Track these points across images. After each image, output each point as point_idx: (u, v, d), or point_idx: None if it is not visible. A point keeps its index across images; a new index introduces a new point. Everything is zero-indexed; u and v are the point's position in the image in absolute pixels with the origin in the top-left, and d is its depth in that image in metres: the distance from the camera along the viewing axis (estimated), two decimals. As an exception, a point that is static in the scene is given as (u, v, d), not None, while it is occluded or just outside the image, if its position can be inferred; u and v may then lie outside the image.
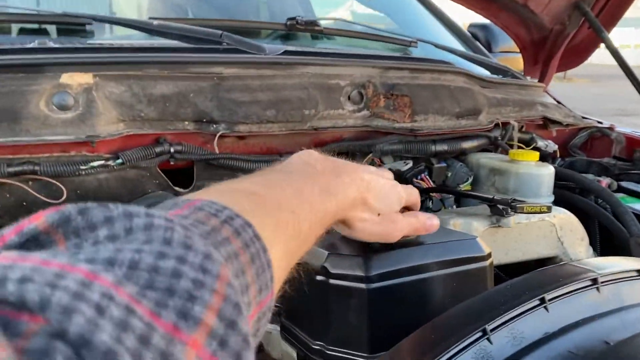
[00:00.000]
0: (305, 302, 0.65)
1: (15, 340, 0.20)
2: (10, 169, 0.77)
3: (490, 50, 1.76)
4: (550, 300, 0.49)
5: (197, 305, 0.26)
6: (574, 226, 0.91)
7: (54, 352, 0.20)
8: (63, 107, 0.80)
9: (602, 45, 1.41)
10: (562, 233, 0.89)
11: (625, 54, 1.38)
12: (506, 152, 1.09)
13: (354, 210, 0.55)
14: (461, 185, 1.05)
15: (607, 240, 1.03)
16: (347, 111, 1.01)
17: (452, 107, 1.09)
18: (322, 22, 1.26)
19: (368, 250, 0.60)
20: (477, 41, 1.68)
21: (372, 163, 1.02)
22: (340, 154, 0.98)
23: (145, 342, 0.22)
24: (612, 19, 1.39)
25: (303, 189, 0.47)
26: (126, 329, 0.22)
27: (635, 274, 0.56)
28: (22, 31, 1.07)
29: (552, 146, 1.25)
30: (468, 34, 1.70)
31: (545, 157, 1.22)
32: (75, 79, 0.81)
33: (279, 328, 0.69)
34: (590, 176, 1.14)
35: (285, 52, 0.99)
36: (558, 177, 1.05)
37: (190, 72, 0.90)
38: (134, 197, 0.85)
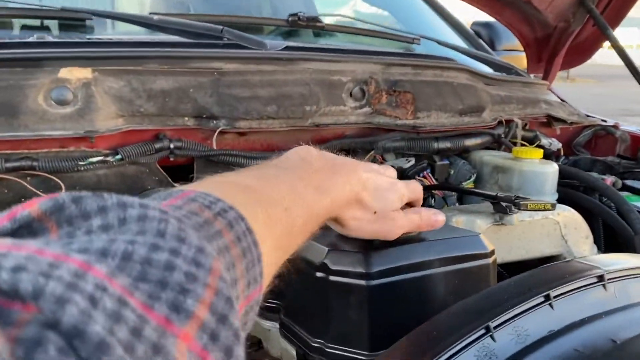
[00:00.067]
0: (305, 299, 0.64)
1: (8, 329, 0.19)
2: (9, 165, 0.76)
3: (493, 48, 1.75)
4: (555, 297, 0.48)
5: (189, 299, 0.26)
6: (578, 224, 0.90)
7: (47, 342, 0.20)
8: (61, 102, 0.79)
9: (606, 45, 1.40)
10: (566, 231, 0.88)
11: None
12: (510, 150, 1.08)
13: (347, 208, 0.55)
14: (464, 183, 1.04)
15: (611, 239, 1.02)
16: (348, 108, 1.00)
17: (455, 104, 1.08)
18: (324, 19, 1.25)
19: (369, 246, 0.59)
20: (480, 39, 1.67)
21: (374, 160, 1.01)
22: (341, 151, 0.97)
23: (137, 334, 0.22)
24: (617, 17, 1.38)
25: (297, 185, 0.47)
26: (119, 321, 0.22)
27: (641, 271, 0.55)
28: (22, 27, 1.07)
29: (556, 144, 1.24)
30: (471, 31, 1.69)
31: (549, 155, 1.21)
32: (74, 74, 0.80)
33: (278, 325, 0.68)
34: (594, 174, 1.13)
35: (287, 48, 0.98)
36: (562, 175, 1.04)
37: (190, 67, 0.89)
38: (133, 194, 0.84)
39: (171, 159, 0.88)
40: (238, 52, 0.94)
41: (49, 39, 0.87)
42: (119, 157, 0.82)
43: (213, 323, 0.26)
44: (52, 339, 0.20)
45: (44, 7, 1.02)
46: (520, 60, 1.59)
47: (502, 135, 1.15)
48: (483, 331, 0.45)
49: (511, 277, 0.56)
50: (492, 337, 0.45)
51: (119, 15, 1.03)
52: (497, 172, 1.03)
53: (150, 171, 0.86)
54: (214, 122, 0.89)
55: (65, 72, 0.79)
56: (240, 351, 0.28)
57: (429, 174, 1.03)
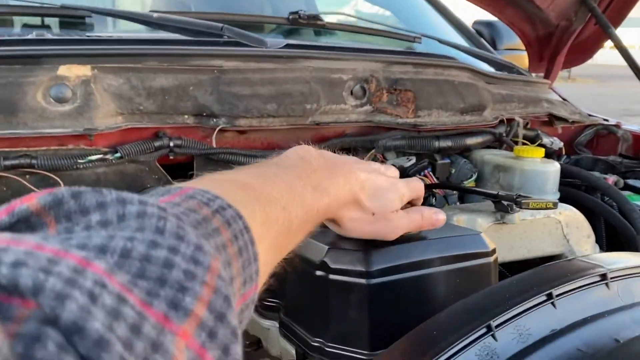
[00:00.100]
0: (305, 298, 0.64)
1: (7, 324, 0.19)
2: (7, 162, 0.76)
3: (495, 47, 1.74)
4: (557, 296, 0.48)
5: (187, 296, 0.26)
6: (580, 223, 0.89)
7: (46, 338, 0.20)
8: (60, 100, 0.79)
9: (607, 45, 1.40)
10: (568, 230, 0.88)
11: (630, 55, 1.36)
12: (511, 149, 1.07)
13: (344, 209, 0.55)
14: (465, 182, 1.04)
15: (613, 238, 1.02)
16: (349, 106, 0.99)
17: (456, 102, 1.07)
18: (325, 17, 1.25)
19: (369, 245, 0.58)
20: (482, 38, 1.67)
21: (374, 159, 1.01)
22: (342, 149, 0.97)
23: (136, 331, 0.22)
24: (619, 16, 1.37)
25: (296, 184, 0.47)
26: (118, 318, 0.22)
27: (645, 270, 0.54)
28: (24, 25, 1.06)
29: (557, 143, 1.24)
30: (473, 30, 1.69)
31: (550, 155, 1.21)
32: (73, 71, 0.80)
33: (277, 325, 0.68)
34: (596, 174, 1.12)
35: (287, 46, 0.98)
36: (564, 174, 1.03)
37: (190, 64, 0.88)
38: (132, 192, 0.84)
39: (171, 157, 0.88)
40: (238, 50, 0.94)
41: (48, 36, 0.86)
42: (118, 155, 0.82)
43: (211, 321, 0.26)
44: (51, 335, 0.20)
45: (43, 5, 1.01)
46: (522, 59, 1.58)
47: (504, 134, 1.14)
48: (484, 330, 0.45)
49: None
50: (493, 336, 0.45)
51: (119, 13, 1.03)
52: (498, 171, 1.02)
53: (149, 169, 0.86)
54: (214, 120, 0.88)
55: (64, 70, 0.79)
56: (237, 349, 0.28)
57: (430, 173, 1.02)
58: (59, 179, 0.78)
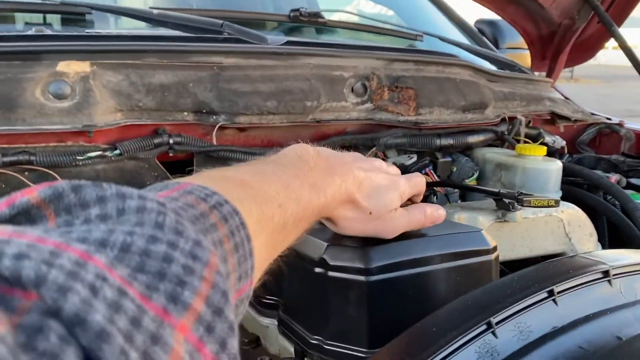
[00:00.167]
0: (303, 296, 0.63)
1: (9, 315, 0.20)
2: (6, 159, 0.75)
3: (497, 46, 1.74)
4: (559, 292, 0.47)
5: (186, 291, 0.26)
6: (582, 222, 0.89)
7: (48, 329, 0.20)
8: (59, 96, 0.78)
9: (609, 46, 1.39)
10: (570, 229, 0.87)
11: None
12: (513, 147, 1.07)
13: (340, 208, 0.55)
14: (467, 180, 1.03)
15: (615, 237, 1.01)
16: (350, 103, 0.99)
17: (457, 100, 1.06)
18: (326, 15, 1.24)
19: (368, 242, 0.58)
20: (484, 37, 1.66)
21: (375, 157, 1.00)
22: (343, 147, 0.96)
23: (136, 324, 0.23)
24: (622, 14, 1.37)
25: (293, 183, 0.47)
26: (118, 311, 0.22)
27: (647, 267, 0.54)
28: (26, 24, 1.06)
29: (559, 142, 1.23)
30: (475, 29, 1.68)
31: (552, 153, 1.20)
32: (72, 67, 0.79)
33: (276, 322, 0.67)
34: (598, 173, 1.12)
35: (288, 43, 0.97)
36: (566, 172, 1.03)
37: (189, 61, 0.88)
38: None
39: (170, 155, 0.87)
40: (238, 47, 0.93)
41: (47, 32, 0.86)
42: (117, 152, 0.81)
43: (209, 315, 0.27)
44: (53, 327, 0.20)
45: (44, 2, 1.01)
46: (524, 58, 1.57)
47: (505, 132, 1.14)
48: (484, 327, 0.44)
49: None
50: (493, 333, 0.44)
51: (119, 9, 1.03)
52: (500, 169, 1.01)
53: (149, 166, 0.85)
54: (214, 117, 0.88)
55: (63, 66, 0.79)
56: (234, 343, 0.28)
57: (431, 171, 1.02)
58: (57, 176, 0.78)
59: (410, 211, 0.59)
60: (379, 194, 0.56)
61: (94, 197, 0.28)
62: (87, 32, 0.98)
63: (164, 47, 0.87)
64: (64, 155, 0.78)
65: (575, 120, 1.29)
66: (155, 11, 0.95)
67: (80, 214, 0.27)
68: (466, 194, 1.03)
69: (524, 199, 0.76)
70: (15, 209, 0.26)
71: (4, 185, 0.77)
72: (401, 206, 0.59)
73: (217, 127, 0.88)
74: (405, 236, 0.59)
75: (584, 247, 0.88)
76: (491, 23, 1.83)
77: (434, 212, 0.61)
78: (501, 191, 0.80)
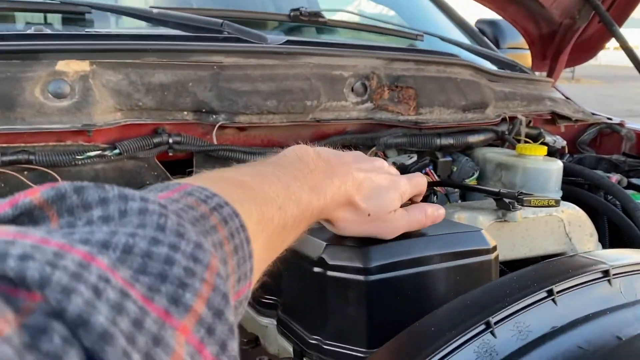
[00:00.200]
0: (302, 295, 0.63)
1: (15, 315, 0.20)
2: (5, 158, 0.75)
3: (498, 46, 1.74)
4: (558, 292, 0.47)
5: (187, 293, 0.26)
6: (582, 222, 0.88)
7: (52, 330, 0.20)
8: (59, 95, 0.78)
9: (610, 46, 1.38)
10: (570, 228, 0.87)
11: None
12: (513, 147, 1.07)
13: (338, 210, 0.55)
14: (467, 180, 1.03)
15: (616, 237, 1.01)
16: (350, 103, 0.99)
17: (458, 100, 1.06)
18: (327, 15, 1.24)
19: (368, 241, 0.58)
20: (484, 37, 1.66)
21: (375, 156, 1.00)
22: (343, 147, 0.96)
23: (138, 326, 0.23)
24: (623, 14, 1.36)
25: (292, 184, 0.47)
26: (121, 312, 0.22)
27: (648, 267, 0.53)
28: (26, 23, 1.06)
29: (560, 142, 1.23)
30: (475, 29, 1.68)
31: (553, 153, 1.20)
32: (72, 67, 0.79)
33: (275, 322, 0.67)
34: (599, 172, 1.11)
35: (288, 42, 0.97)
36: (567, 172, 1.03)
37: (189, 60, 0.87)
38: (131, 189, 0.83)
39: (170, 154, 0.87)
40: (238, 46, 0.93)
41: (47, 31, 0.86)
42: (117, 151, 0.81)
43: (210, 317, 0.27)
44: (56, 328, 0.20)
45: (44, 1, 1.01)
46: (525, 58, 1.57)
47: (506, 132, 1.14)
48: (483, 327, 0.44)
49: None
50: (492, 333, 0.44)
51: (119, 9, 1.02)
52: (500, 169, 1.01)
53: (148, 166, 0.85)
54: (214, 116, 0.88)
55: (62, 65, 0.79)
56: (234, 345, 0.28)
57: (432, 171, 1.02)
58: (57, 175, 0.78)
59: (411, 211, 0.59)
60: (379, 195, 0.56)
61: (96, 199, 0.28)
62: (86, 32, 0.98)
63: (163, 46, 0.87)
64: (63, 154, 0.78)
65: (576, 120, 1.29)
66: (155, 10, 0.95)
67: (83, 216, 0.27)
68: (466, 193, 1.02)
69: (524, 198, 0.76)
70: (18, 209, 0.26)
71: (3, 185, 0.77)
72: (401, 206, 0.59)
73: (217, 126, 0.88)
74: (404, 236, 0.59)
75: (584, 247, 0.88)
76: (492, 23, 1.83)
77: (435, 212, 0.61)
78: (501, 191, 0.79)
